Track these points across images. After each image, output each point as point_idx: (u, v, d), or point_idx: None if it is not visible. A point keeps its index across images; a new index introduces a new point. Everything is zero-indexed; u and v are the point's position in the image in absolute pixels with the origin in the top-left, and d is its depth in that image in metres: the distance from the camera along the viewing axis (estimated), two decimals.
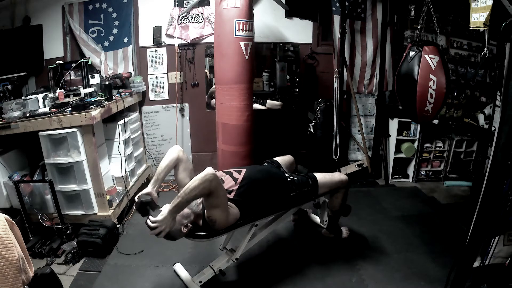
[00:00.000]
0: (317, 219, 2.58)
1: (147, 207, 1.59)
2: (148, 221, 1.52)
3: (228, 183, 1.83)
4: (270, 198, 1.92)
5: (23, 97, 2.53)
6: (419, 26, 2.21)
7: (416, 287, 1.98)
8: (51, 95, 2.53)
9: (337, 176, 2.20)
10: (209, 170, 1.54)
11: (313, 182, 2.07)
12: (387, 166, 3.59)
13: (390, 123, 3.55)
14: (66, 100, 2.50)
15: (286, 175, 2.06)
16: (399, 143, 3.55)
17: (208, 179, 1.51)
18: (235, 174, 1.88)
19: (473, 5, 1.56)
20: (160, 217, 1.50)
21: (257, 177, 1.91)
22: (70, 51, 3.37)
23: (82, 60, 2.53)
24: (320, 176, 2.12)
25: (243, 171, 1.91)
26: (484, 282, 1.63)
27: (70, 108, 2.34)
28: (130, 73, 3.31)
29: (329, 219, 2.35)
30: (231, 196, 1.77)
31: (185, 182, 1.86)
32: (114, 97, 2.76)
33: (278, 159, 2.32)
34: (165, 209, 1.52)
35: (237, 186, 1.81)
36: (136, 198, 1.67)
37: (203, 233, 1.71)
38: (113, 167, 2.83)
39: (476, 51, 3.58)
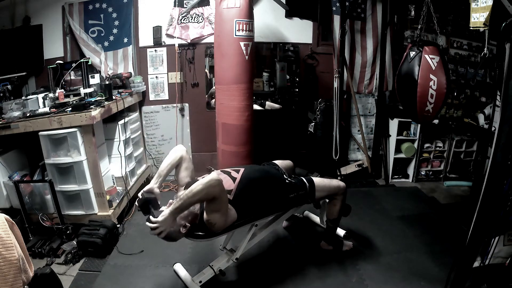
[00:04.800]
0: (316, 219, 2.58)
1: (149, 205, 1.60)
2: (147, 222, 1.53)
3: (226, 182, 1.81)
4: (268, 199, 1.92)
5: (23, 97, 2.54)
6: (419, 26, 2.20)
7: (416, 287, 1.98)
8: (51, 95, 2.53)
9: (335, 182, 2.20)
10: (213, 176, 1.54)
11: (310, 185, 2.07)
12: (387, 166, 3.59)
13: (390, 123, 3.55)
14: (66, 100, 2.50)
15: (285, 176, 2.06)
16: (399, 143, 3.54)
17: (212, 184, 1.51)
18: (233, 174, 1.88)
19: (473, 5, 1.56)
20: (161, 218, 1.50)
21: (255, 177, 1.90)
22: (70, 51, 3.37)
23: (82, 60, 2.53)
24: (318, 180, 2.12)
25: (241, 170, 1.90)
26: (484, 282, 1.63)
27: (70, 108, 2.34)
28: (130, 73, 3.31)
29: (327, 229, 2.30)
30: (230, 196, 1.76)
31: (184, 182, 1.86)
32: (114, 97, 2.76)
33: (278, 162, 2.32)
34: (166, 210, 1.53)
35: (235, 186, 1.80)
36: (139, 195, 1.67)
37: (202, 233, 1.71)
38: (113, 167, 2.83)
39: (476, 51, 3.58)
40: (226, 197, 1.65)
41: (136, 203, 1.66)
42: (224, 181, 1.81)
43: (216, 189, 1.53)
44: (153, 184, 1.74)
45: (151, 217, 1.52)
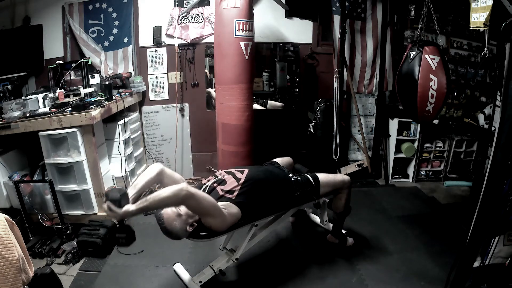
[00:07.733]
0: (317, 219, 2.58)
1: (121, 198, 1.44)
2: (110, 204, 1.41)
3: (231, 183, 1.82)
4: (274, 198, 1.92)
5: (23, 97, 2.54)
6: (419, 26, 2.21)
7: (416, 287, 1.98)
8: (51, 95, 2.53)
9: (339, 176, 2.21)
10: (183, 186, 1.47)
11: (315, 182, 2.07)
12: (387, 166, 3.59)
13: (390, 123, 3.55)
14: (66, 100, 2.51)
15: (290, 175, 2.07)
16: (399, 143, 3.54)
17: (179, 194, 1.44)
18: (238, 174, 1.88)
19: (473, 5, 1.56)
20: (124, 209, 1.41)
21: (260, 177, 1.90)
22: (70, 51, 3.37)
23: (82, 60, 2.53)
24: (322, 176, 2.12)
25: (246, 171, 1.90)
26: (484, 282, 1.63)
27: (70, 108, 2.35)
28: (130, 73, 3.31)
29: (334, 223, 2.33)
30: (233, 196, 1.76)
31: None
32: (114, 97, 2.76)
33: (278, 160, 2.32)
34: (132, 206, 1.43)
35: (239, 187, 1.80)
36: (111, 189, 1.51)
37: (204, 233, 1.71)
38: (113, 167, 2.83)
39: (476, 51, 3.57)
40: (208, 202, 1.57)
41: (109, 193, 1.47)
42: (229, 182, 1.82)
43: (184, 197, 1.45)
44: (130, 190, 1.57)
45: (113, 205, 1.40)
